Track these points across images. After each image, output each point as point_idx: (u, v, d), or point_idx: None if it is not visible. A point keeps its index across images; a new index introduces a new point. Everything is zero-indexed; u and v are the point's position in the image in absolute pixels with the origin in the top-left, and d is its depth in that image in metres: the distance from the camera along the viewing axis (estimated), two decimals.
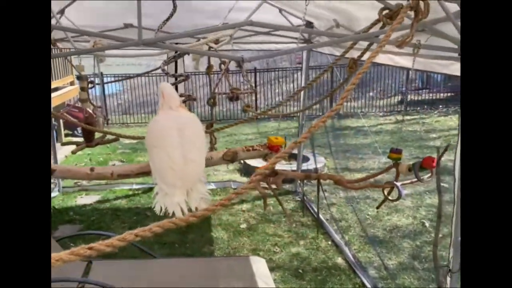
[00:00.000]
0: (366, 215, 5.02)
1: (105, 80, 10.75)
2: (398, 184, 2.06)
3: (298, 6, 3.36)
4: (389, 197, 2.11)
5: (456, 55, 2.10)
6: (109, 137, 3.41)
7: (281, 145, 2.24)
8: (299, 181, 5.51)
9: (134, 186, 5.97)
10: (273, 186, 2.11)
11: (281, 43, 4.52)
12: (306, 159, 6.15)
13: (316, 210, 4.81)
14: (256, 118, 4.00)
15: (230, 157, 2.21)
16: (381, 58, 2.94)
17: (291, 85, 13.47)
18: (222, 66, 3.20)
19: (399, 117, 11.03)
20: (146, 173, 2.18)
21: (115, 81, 9.42)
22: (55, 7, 3.44)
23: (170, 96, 1.70)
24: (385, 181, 2.16)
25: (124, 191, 5.87)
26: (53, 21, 3.73)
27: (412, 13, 1.66)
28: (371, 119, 10.85)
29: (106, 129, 3.67)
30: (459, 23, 1.95)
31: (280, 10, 3.64)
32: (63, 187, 5.95)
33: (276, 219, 4.99)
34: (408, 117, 10.83)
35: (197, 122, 1.75)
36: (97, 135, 3.39)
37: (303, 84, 5.48)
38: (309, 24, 4.09)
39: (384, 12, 2.06)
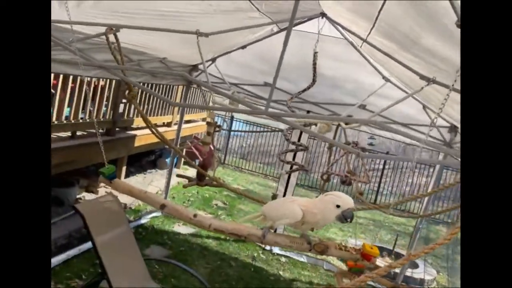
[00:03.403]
0: None
1: (234, 123, 11.62)
2: None
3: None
4: None
5: None
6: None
7: (375, 257, 2.19)
8: None
9: None
10: None
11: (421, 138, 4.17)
12: (415, 265, 5.42)
13: None
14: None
15: (320, 250, 2.22)
16: None
17: (424, 179, 11.75)
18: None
19: None
20: (238, 235, 2.22)
21: (238, 130, 10.22)
22: (206, 55, 3.79)
23: None
24: None
25: (217, 233, 5.93)
26: (202, 67, 4.10)
27: None
28: None
29: (221, 168, 3.88)
30: None
31: (424, 107, 3.36)
32: None
33: None
34: None
35: None
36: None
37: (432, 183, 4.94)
38: (453, 128, 3.71)
39: None
